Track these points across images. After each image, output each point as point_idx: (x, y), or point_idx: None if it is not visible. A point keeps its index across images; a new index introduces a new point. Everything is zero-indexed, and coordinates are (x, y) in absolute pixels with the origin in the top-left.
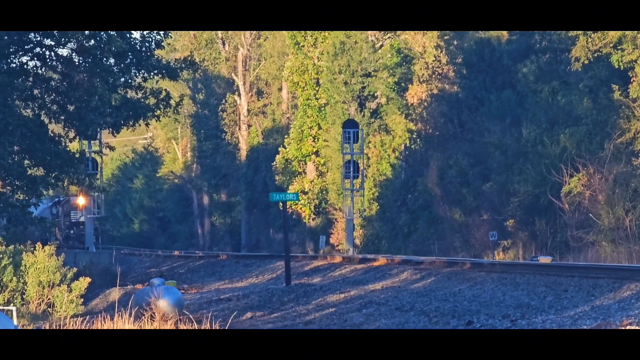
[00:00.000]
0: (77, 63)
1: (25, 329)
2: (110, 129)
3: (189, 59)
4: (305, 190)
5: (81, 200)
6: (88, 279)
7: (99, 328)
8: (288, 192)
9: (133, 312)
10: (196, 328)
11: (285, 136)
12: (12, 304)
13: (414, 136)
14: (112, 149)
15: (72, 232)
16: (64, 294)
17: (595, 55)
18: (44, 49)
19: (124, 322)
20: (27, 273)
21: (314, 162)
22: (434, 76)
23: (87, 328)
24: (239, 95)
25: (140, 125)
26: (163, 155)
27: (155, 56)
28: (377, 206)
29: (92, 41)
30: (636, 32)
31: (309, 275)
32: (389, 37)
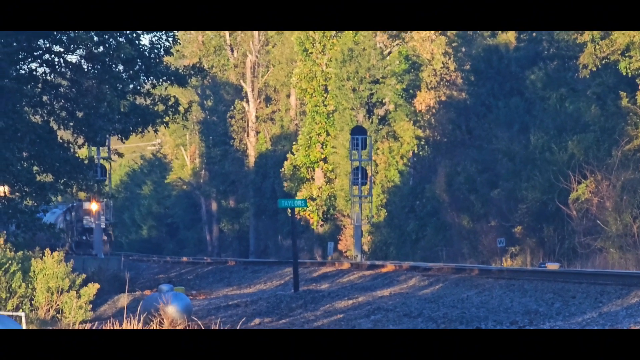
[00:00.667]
0: (86, 69)
1: (31, 329)
2: (119, 136)
3: (198, 65)
4: (314, 196)
5: (94, 206)
6: (97, 285)
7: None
8: (296, 198)
9: (142, 318)
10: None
11: (294, 143)
12: (21, 310)
13: (422, 143)
14: (120, 155)
15: (84, 237)
16: (72, 300)
17: (603, 62)
18: (52, 56)
19: (132, 328)
20: (36, 279)
21: (322, 169)
22: (442, 83)
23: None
24: (248, 101)
25: (148, 131)
26: (171, 162)
27: (164, 63)
28: (385, 213)
29: (101, 48)
30: None
31: (317, 281)
32: (397, 44)
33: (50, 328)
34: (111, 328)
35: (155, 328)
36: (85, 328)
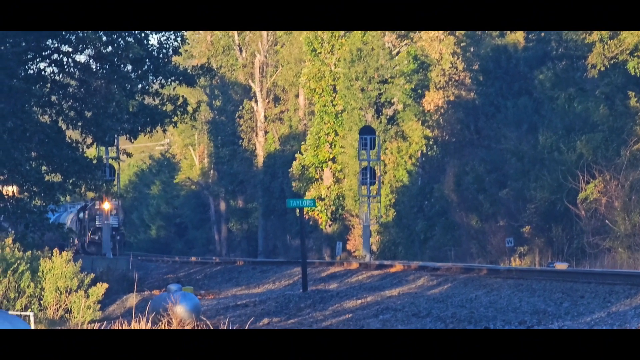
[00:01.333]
0: (94, 69)
1: (40, 329)
2: (128, 135)
3: (206, 65)
4: (322, 196)
5: (106, 206)
6: (105, 285)
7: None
8: (305, 198)
9: (150, 318)
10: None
11: (302, 143)
12: (29, 310)
13: (431, 143)
14: (129, 155)
15: (97, 237)
16: (81, 300)
17: (612, 62)
18: (61, 56)
19: (141, 328)
20: (45, 279)
21: (330, 169)
22: (450, 83)
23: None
24: (256, 101)
25: (157, 131)
26: (180, 162)
27: (173, 63)
28: (394, 212)
29: (110, 47)
30: None
31: (326, 281)
32: (405, 44)
33: (59, 328)
34: (120, 328)
35: (163, 328)
36: (94, 328)
